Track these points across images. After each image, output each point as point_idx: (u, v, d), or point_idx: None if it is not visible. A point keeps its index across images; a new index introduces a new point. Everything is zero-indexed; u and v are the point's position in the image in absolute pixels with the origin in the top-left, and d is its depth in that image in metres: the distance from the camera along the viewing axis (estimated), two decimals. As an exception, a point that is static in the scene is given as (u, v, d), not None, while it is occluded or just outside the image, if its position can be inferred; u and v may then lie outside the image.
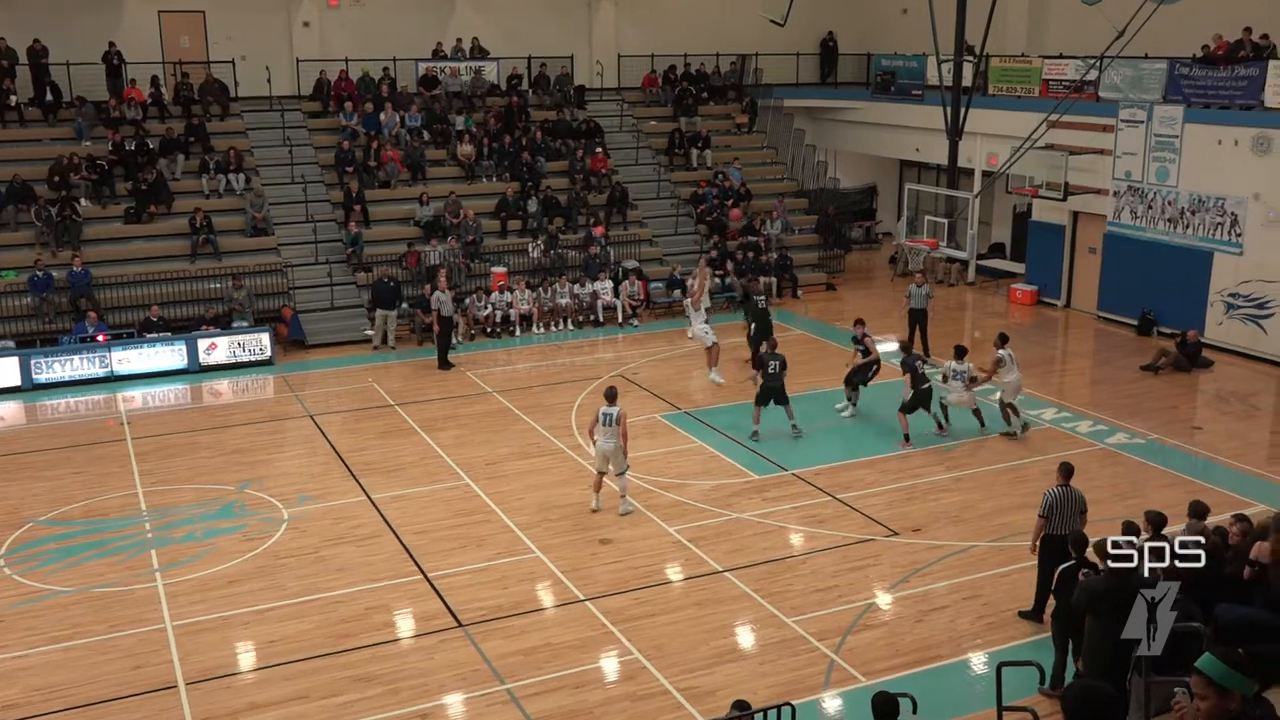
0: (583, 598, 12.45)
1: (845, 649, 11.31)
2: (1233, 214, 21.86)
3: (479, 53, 30.48)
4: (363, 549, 13.79)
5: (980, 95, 27.10)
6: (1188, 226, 22.78)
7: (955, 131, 26.79)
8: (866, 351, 18.28)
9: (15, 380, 20.35)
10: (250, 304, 22.82)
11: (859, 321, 18.67)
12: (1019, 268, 28.08)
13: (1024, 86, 27.00)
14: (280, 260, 24.40)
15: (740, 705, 8.54)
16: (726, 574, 12.96)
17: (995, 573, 12.91)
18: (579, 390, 19.95)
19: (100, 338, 21.13)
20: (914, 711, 8.77)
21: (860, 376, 18.28)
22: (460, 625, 11.87)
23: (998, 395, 17.63)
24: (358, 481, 15.95)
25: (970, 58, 26.62)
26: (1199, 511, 10.58)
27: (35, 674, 11.10)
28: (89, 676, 11.02)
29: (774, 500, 15.09)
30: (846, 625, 11.77)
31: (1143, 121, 23.52)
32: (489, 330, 23.95)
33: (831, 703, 10.49)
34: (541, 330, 24.26)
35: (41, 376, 20.54)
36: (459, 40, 30.48)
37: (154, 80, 27.07)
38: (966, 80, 26.58)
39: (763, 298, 21.29)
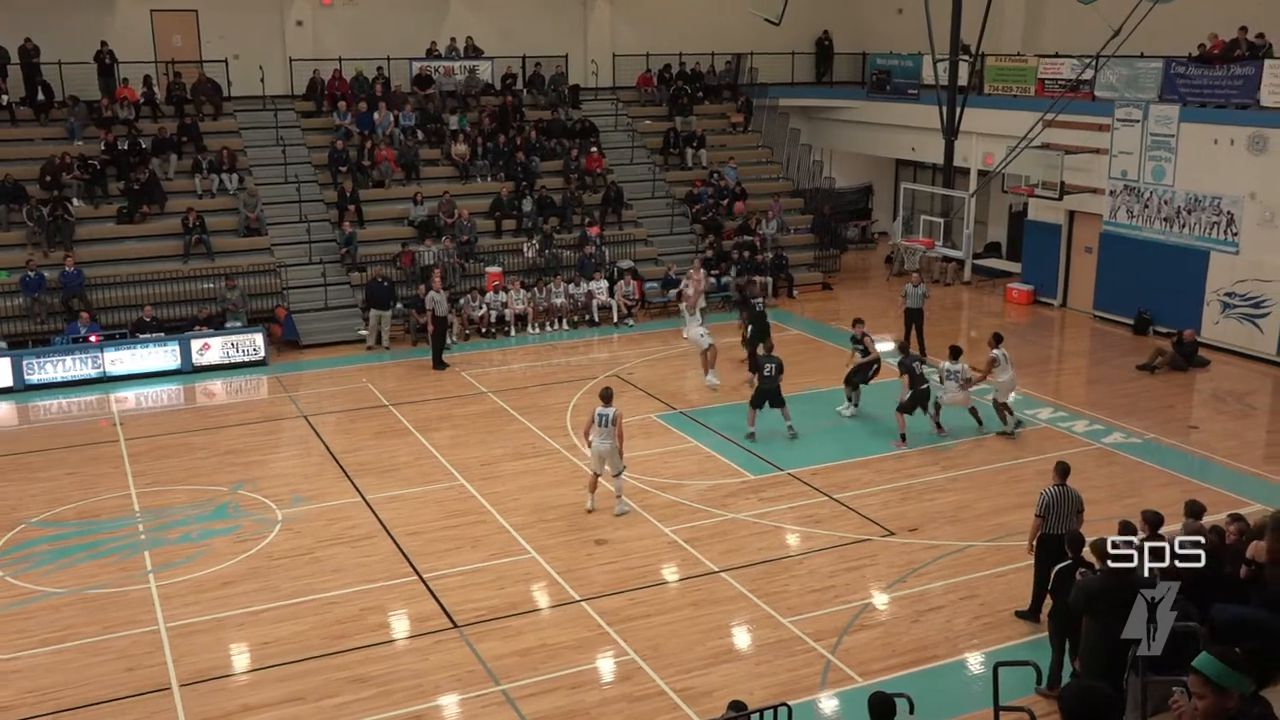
0: (578, 598, 12.42)
1: (842, 649, 11.29)
2: (1229, 213, 21.85)
3: (473, 52, 30.42)
4: (357, 550, 13.74)
5: (976, 94, 27.11)
6: (1184, 226, 22.78)
7: (951, 131, 26.79)
8: (866, 351, 18.24)
9: (7, 381, 20.26)
10: (244, 304, 22.75)
11: (858, 321, 18.63)
12: (1015, 267, 28.08)
13: (1020, 86, 26.99)
14: (274, 260, 24.34)
15: (736, 706, 8.53)
16: (722, 574, 12.93)
17: (992, 572, 12.89)
18: (574, 390, 19.91)
19: (93, 338, 21.04)
20: (910, 712, 8.75)
21: (860, 376, 18.24)
22: (455, 626, 11.83)
23: (992, 395, 17.59)
24: (352, 482, 15.90)
25: (966, 57, 26.61)
26: (1195, 511, 10.56)
27: (27, 676, 11.04)
28: (82, 678, 10.97)
29: (770, 500, 15.06)
30: (843, 625, 11.75)
31: (1139, 121, 23.52)
32: (484, 330, 23.90)
33: (828, 703, 10.47)
34: (536, 330, 24.21)
35: (34, 377, 20.46)
36: (453, 39, 30.42)
37: (146, 79, 26.99)
38: (962, 79, 26.57)
39: (760, 300, 21.19)
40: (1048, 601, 10.72)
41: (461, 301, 23.77)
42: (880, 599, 12.38)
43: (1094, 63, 24.15)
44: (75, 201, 24.04)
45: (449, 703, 10.55)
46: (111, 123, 25.92)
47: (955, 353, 17.41)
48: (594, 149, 28.93)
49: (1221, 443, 17.18)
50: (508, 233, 26.57)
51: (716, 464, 16.49)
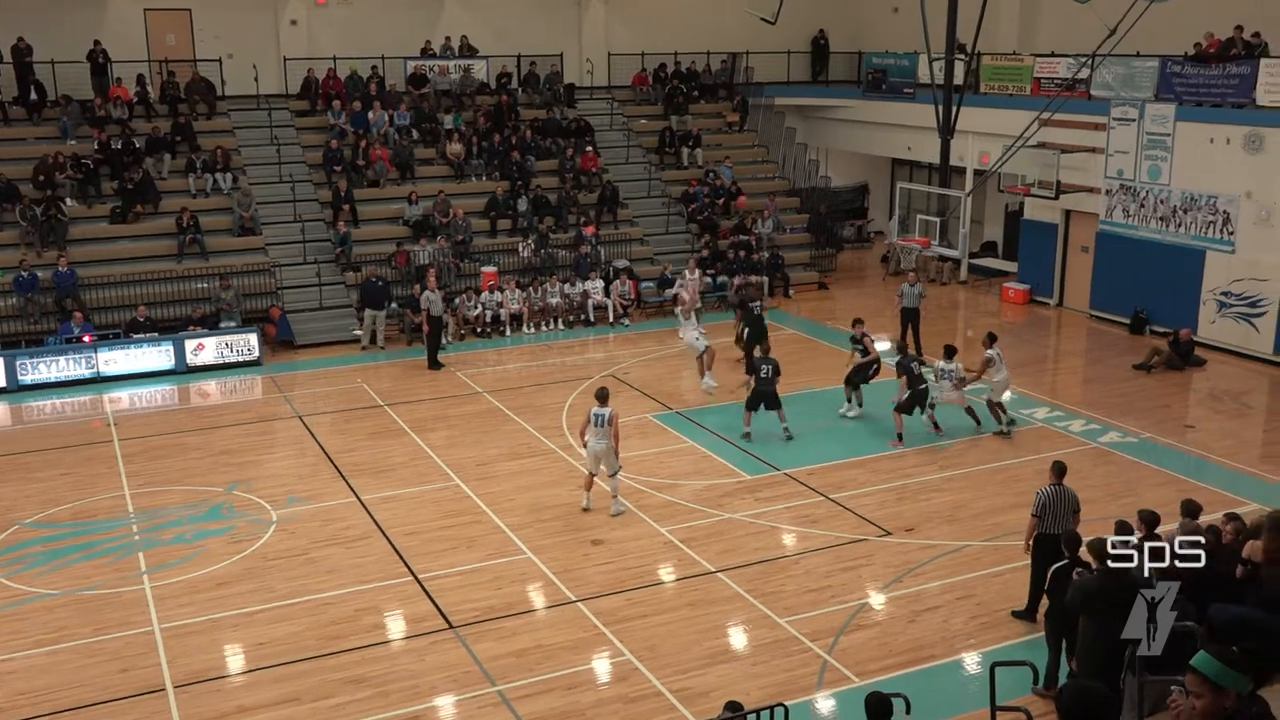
0: (574, 599, 12.39)
1: (838, 649, 11.27)
2: (1225, 212, 21.86)
3: (468, 51, 30.37)
4: (352, 550, 13.71)
5: (972, 93, 27.09)
6: (1180, 225, 22.78)
7: (947, 130, 26.75)
8: (866, 352, 18.20)
9: (1, 381, 20.18)
10: (238, 304, 22.69)
11: (858, 321, 18.59)
12: (1011, 266, 28.08)
13: (1016, 85, 26.99)
14: (268, 260, 24.28)
15: (733, 706, 8.51)
16: (719, 574, 12.90)
17: (988, 572, 12.88)
18: (570, 390, 19.88)
19: (86, 338, 20.97)
20: (907, 712, 8.72)
21: (860, 376, 18.19)
22: (451, 627, 11.80)
23: (986, 395, 17.59)
24: (347, 483, 15.85)
25: (962, 56, 26.57)
26: (1191, 510, 10.53)
27: (21, 677, 10.99)
28: (76, 680, 10.93)
29: (766, 500, 15.04)
30: (839, 625, 11.73)
31: (1135, 120, 23.52)
32: (479, 330, 23.86)
33: (824, 703, 10.45)
34: (532, 330, 24.17)
35: (27, 378, 20.38)
36: (448, 38, 30.37)
37: (140, 79, 26.92)
38: (958, 78, 26.53)
39: (758, 304, 20.94)
40: (1044, 601, 10.69)
41: (457, 301, 23.71)
42: (877, 599, 12.36)
43: (1090, 62, 24.14)
44: (68, 201, 23.95)
45: (445, 703, 10.52)
46: (105, 122, 25.84)
47: (949, 352, 17.41)
48: (589, 148, 28.89)
49: (1218, 442, 17.18)
50: (503, 232, 26.52)
51: (712, 464, 16.46)
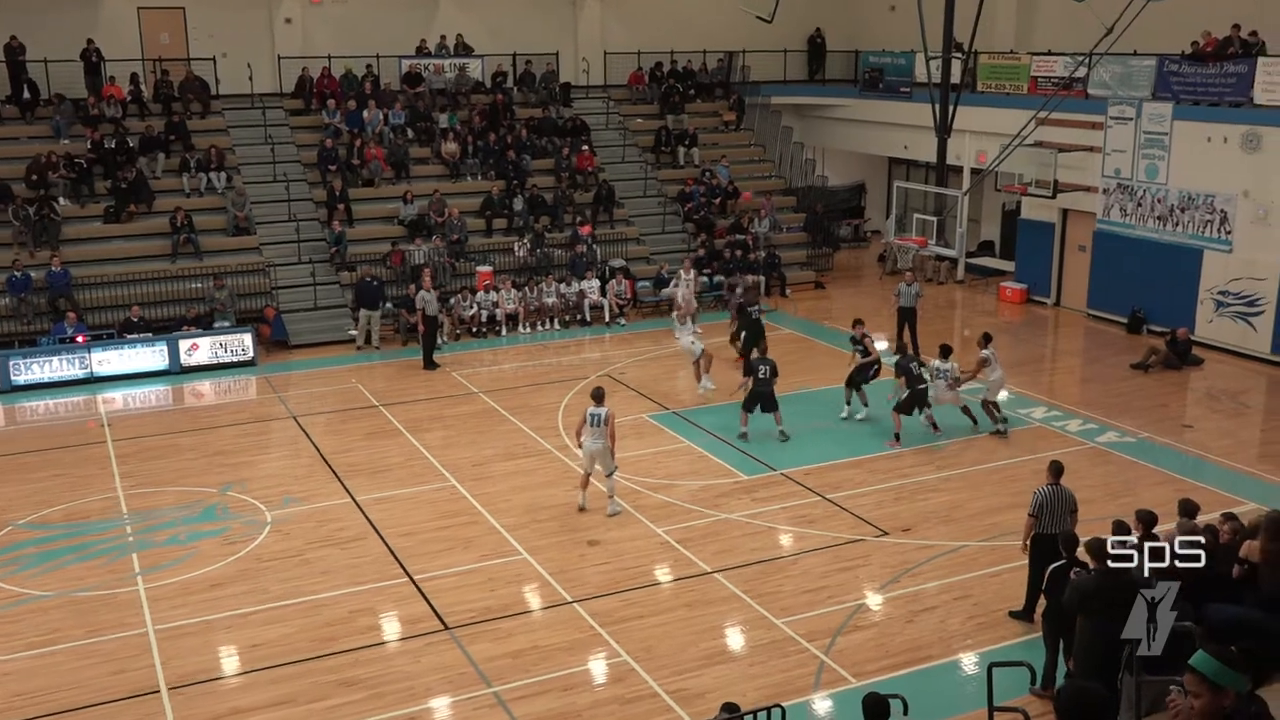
0: (570, 599, 12.35)
1: (835, 650, 11.25)
2: (1222, 211, 21.84)
3: (463, 49, 30.31)
4: (347, 551, 13.66)
5: (969, 92, 27.06)
6: (1177, 224, 22.76)
7: (944, 129, 26.75)
8: (866, 352, 18.13)
9: (-6, 382, 20.15)
10: (232, 304, 22.62)
11: (858, 322, 18.53)
12: (1008, 266, 28.05)
13: (1012, 83, 26.96)
14: (262, 260, 24.20)
15: (729, 707, 8.47)
16: (715, 575, 12.87)
17: (985, 572, 12.86)
18: (566, 390, 19.83)
19: (80, 339, 20.90)
20: (904, 713, 8.74)
21: (861, 377, 18.10)
22: (446, 628, 11.76)
23: (982, 395, 17.57)
24: (342, 483, 15.80)
25: (959, 54, 26.56)
26: (1189, 510, 10.50)
27: (14, 679, 10.94)
28: (69, 682, 10.88)
29: (763, 500, 15.01)
30: (836, 626, 11.70)
31: (1132, 119, 23.50)
32: (474, 330, 23.79)
33: (822, 704, 10.42)
34: (528, 330, 24.11)
35: (20, 378, 20.30)
36: (443, 37, 30.30)
37: (133, 78, 26.84)
38: (955, 77, 26.53)
39: (757, 308, 20.68)
40: (1042, 601, 10.67)
41: (452, 301, 23.65)
42: (874, 599, 12.34)
43: (1087, 60, 24.13)
44: (61, 201, 23.87)
45: (440, 705, 10.49)
46: (98, 121, 25.74)
47: (945, 351, 17.39)
48: (585, 147, 28.83)
49: (1215, 441, 17.16)
50: (498, 232, 26.46)
51: (709, 464, 16.42)
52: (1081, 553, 9.69)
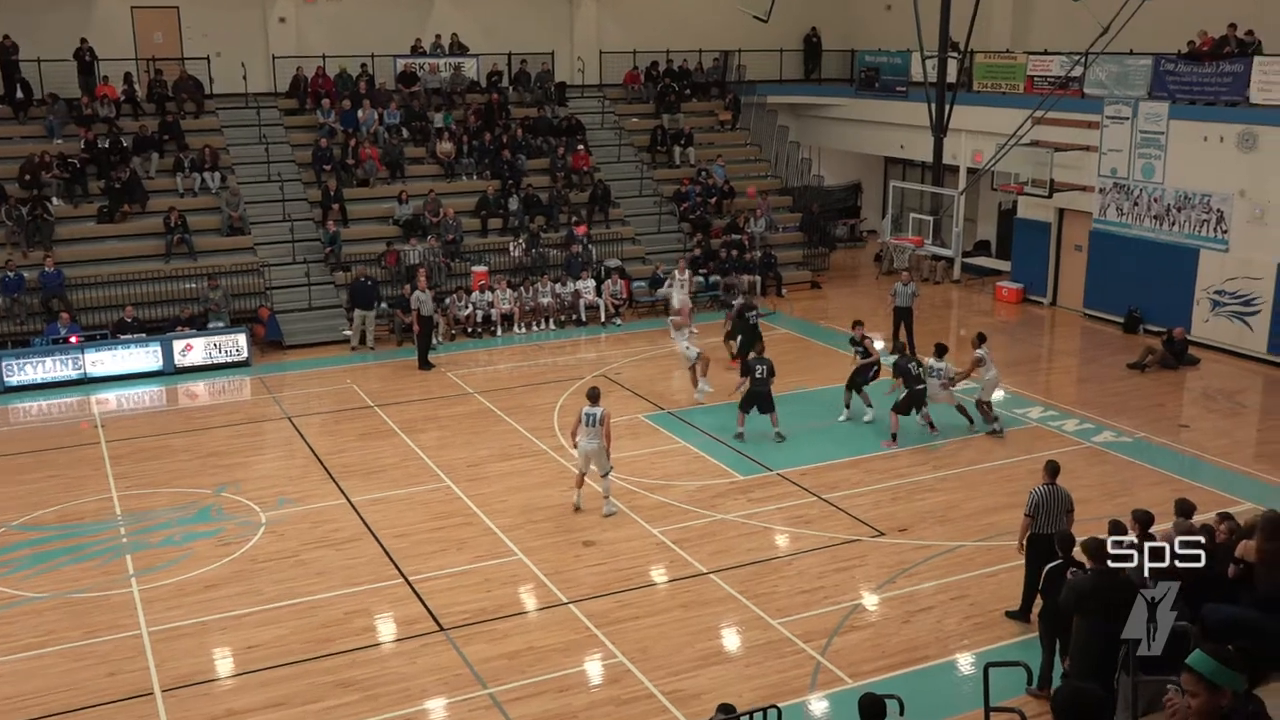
0: (566, 600, 12.32)
1: (831, 650, 11.22)
2: (1218, 210, 21.83)
3: (458, 49, 30.25)
4: (342, 553, 13.62)
5: (965, 91, 27.02)
6: (1173, 223, 22.75)
7: (940, 128, 26.71)
8: (866, 353, 18.07)
9: (-13, 382, 20.08)
10: (226, 304, 22.56)
11: (858, 323, 18.47)
12: (1005, 265, 28.03)
13: (1009, 83, 26.93)
14: (257, 260, 24.14)
15: (725, 708, 8.45)
16: (711, 576, 12.84)
17: (982, 573, 12.84)
18: (561, 391, 19.78)
19: (73, 339, 20.82)
20: (901, 713, 8.71)
21: (861, 378, 18.01)
22: (442, 629, 11.73)
23: (976, 395, 17.55)
24: (337, 484, 15.76)
25: (955, 54, 26.53)
26: (1185, 510, 10.50)
27: (8, 682, 10.90)
28: (63, 684, 10.85)
29: (759, 501, 14.97)
30: (833, 627, 11.68)
31: (1128, 118, 23.49)
32: (470, 330, 23.74)
33: (818, 705, 10.41)
34: (523, 330, 24.06)
35: (13, 379, 20.22)
36: (438, 36, 30.25)
37: (127, 77, 26.76)
38: (951, 76, 26.49)
39: (756, 313, 20.39)
40: (1038, 601, 10.66)
41: (447, 301, 23.61)
42: (870, 600, 12.31)
43: (1083, 60, 24.12)
44: (55, 201, 23.81)
45: (436, 707, 10.45)
46: (92, 121, 25.66)
47: (940, 350, 17.38)
48: (581, 147, 28.79)
49: (1212, 441, 17.15)
50: (494, 231, 26.41)
51: (705, 464, 16.39)
52: (1078, 552, 9.69)
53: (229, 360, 21.51)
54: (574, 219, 26.83)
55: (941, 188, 27.96)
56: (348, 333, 23.07)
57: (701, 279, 25.79)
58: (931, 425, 17.22)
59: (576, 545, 13.70)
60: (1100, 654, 8.53)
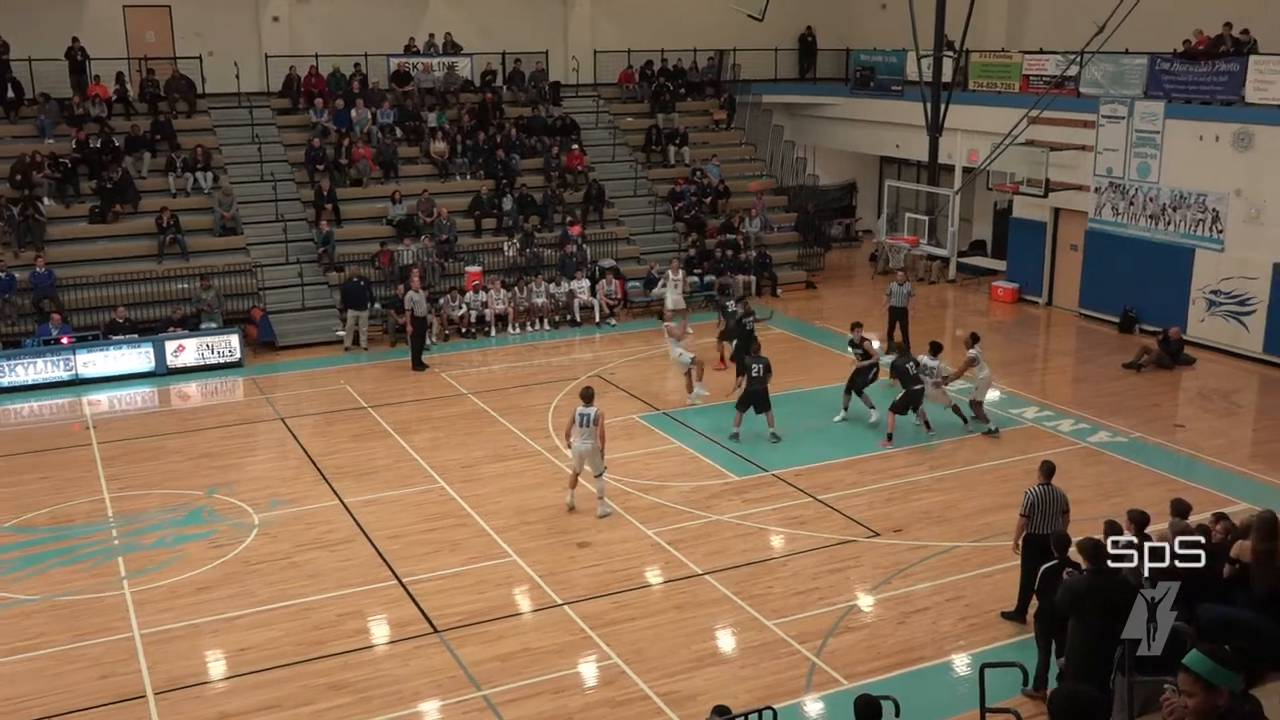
0: (560, 602, 12.27)
1: (827, 651, 11.20)
2: (1214, 210, 21.82)
3: (452, 48, 30.18)
4: (335, 554, 13.56)
5: (960, 91, 27.02)
6: (1169, 223, 22.74)
7: (935, 127, 26.70)
8: (866, 355, 17.98)
9: (-22, 383, 19.96)
10: (219, 305, 22.45)
11: (857, 325, 18.40)
12: (1000, 265, 28.01)
13: (1004, 82, 26.92)
14: (249, 260, 24.05)
15: (721, 710, 8.45)
16: (706, 577, 12.80)
17: (978, 573, 12.81)
18: (556, 391, 19.72)
19: (64, 340, 20.71)
20: (896, 714, 8.64)
21: (861, 380, 17.86)
22: (435, 631, 11.69)
23: (971, 395, 17.51)
24: (330, 485, 15.69)
25: (950, 53, 26.52)
26: (1181, 510, 10.49)
27: (-2, 684, 10.85)
28: (55, 687, 10.79)
29: (754, 502, 14.93)
30: (828, 628, 11.65)
31: (1124, 117, 23.48)
32: (464, 330, 23.67)
33: (813, 706, 10.39)
34: (517, 330, 24.00)
35: (4, 380, 20.10)
36: (431, 35, 30.18)
37: (119, 76, 26.65)
38: (946, 76, 26.48)
39: (752, 318, 20.01)
40: (1034, 602, 10.63)
41: (441, 301, 23.52)
42: (865, 601, 12.29)
43: (1078, 59, 24.09)
44: (46, 201, 23.67)
45: (429, 709, 10.41)
46: (83, 120, 25.55)
47: (935, 349, 17.37)
48: (575, 146, 28.73)
49: (1208, 441, 17.14)
50: (488, 231, 26.34)
51: (700, 465, 16.34)
52: (1073, 553, 9.67)
53: (221, 361, 21.42)
54: (568, 219, 26.78)
55: (937, 187, 27.96)
56: (341, 333, 22.99)
57: (697, 279, 25.75)
58: (928, 425, 17.18)
59: (571, 546, 13.66)
60: (1096, 655, 8.51)
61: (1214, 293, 21.83)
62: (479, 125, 28.50)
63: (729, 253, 26.67)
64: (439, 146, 27.63)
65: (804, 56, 34.30)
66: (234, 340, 21.58)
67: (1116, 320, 23.73)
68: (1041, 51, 26.39)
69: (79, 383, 20.41)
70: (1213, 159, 21.72)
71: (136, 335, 21.20)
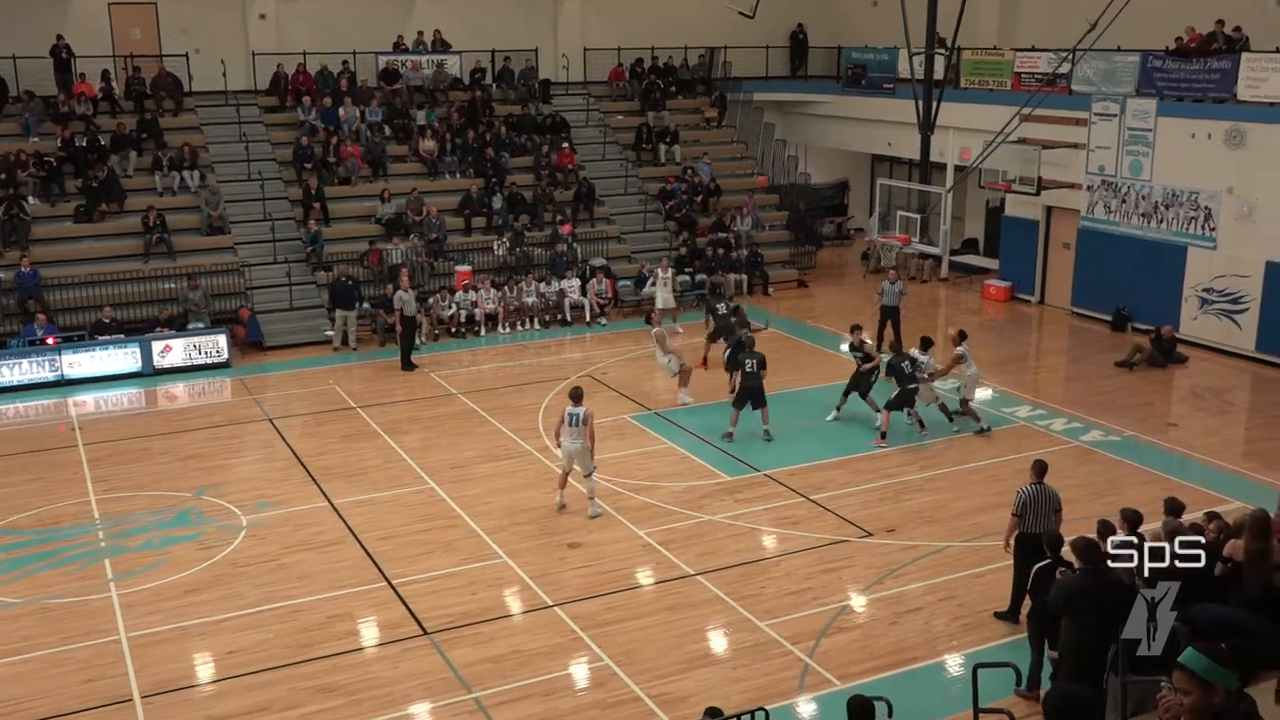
0: (551, 603, 12.22)
1: (819, 652, 11.16)
2: (1206, 208, 21.80)
3: (441, 45, 30.06)
4: (324, 556, 13.49)
5: (952, 88, 27.00)
6: (1161, 221, 22.72)
7: (927, 125, 26.69)
8: (867, 358, 17.85)
9: (-37, 384, 19.81)
10: (206, 305, 22.33)
11: (856, 328, 18.31)
12: (992, 264, 28.01)
13: (996, 80, 26.90)
14: (237, 259, 23.92)
15: (713, 712, 8.41)
16: (698, 577, 12.75)
17: (970, 573, 12.79)
18: (546, 391, 19.64)
19: (50, 340, 20.55)
20: (889, 715, 8.71)
21: (866, 384, 17.66)
22: (425, 633, 11.63)
23: (961, 394, 17.47)
24: (319, 486, 15.60)
25: (942, 50, 26.49)
26: (1174, 509, 10.46)
27: (-16, 688, 10.75)
28: (41, 690, 10.71)
29: (746, 502, 14.88)
30: (820, 628, 11.61)
31: (1116, 115, 23.45)
32: (453, 330, 23.57)
33: (806, 707, 10.36)
34: (507, 330, 23.91)
35: (-10, 380, 19.99)
36: (420, 33, 30.05)
37: (105, 74, 26.47)
38: (938, 73, 26.45)
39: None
40: (1027, 602, 10.61)
41: (430, 301, 23.43)
42: (858, 601, 12.25)
43: (1070, 56, 24.08)
44: (31, 200, 23.50)
45: (419, 712, 10.37)
46: (68, 119, 25.38)
47: (925, 344, 17.37)
48: (565, 145, 28.63)
49: (1200, 440, 17.12)
50: (477, 230, 26.24)
51: (691, 465, 16.28)
52: (1066, 552, 9.64)
53: (209, 361, 21.29)
54: (558, 217, 26.69)
55: (929, 185, 27.93)
56: (329, 333, 22.87)
57: (688, 278, 25.67)
58: (921, 424, 17.14)
59: (562, 547, 13.59)
60: (1089, 654, 8.51)
61: (1206, 291, 21.82)
62: (468, 123, 28.39)
63: (720, 251, 26.61)
64: (428, 145, 27.52)
65: (795, 54, 34.24)
66: (221, 340, 21.45)
67: (1109, 318, 23.72)
68: (1033, 49, 26.36)
69: (65, 384, 20.27)
70: (1205, 157, 21.71)
71: (123, 335, 21.08)
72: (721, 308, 20.99)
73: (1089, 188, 24.24)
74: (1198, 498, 13.79)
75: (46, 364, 20.30)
